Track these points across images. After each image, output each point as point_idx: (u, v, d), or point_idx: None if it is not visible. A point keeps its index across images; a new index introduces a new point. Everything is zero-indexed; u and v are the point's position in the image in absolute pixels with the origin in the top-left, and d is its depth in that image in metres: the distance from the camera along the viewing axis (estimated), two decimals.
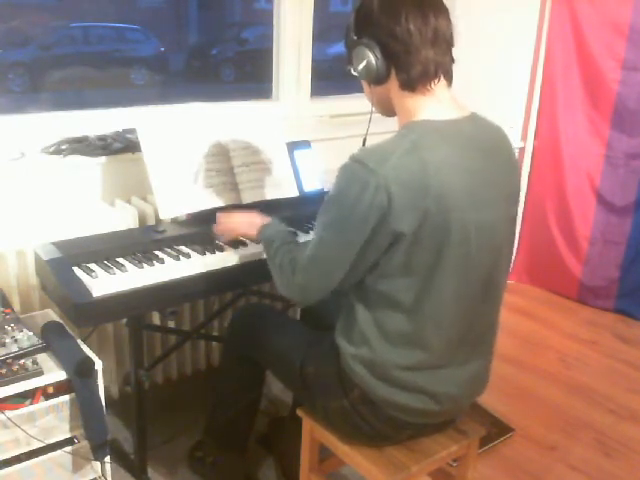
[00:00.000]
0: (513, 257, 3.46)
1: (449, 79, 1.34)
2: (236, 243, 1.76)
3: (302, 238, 1.80)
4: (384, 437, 1.45)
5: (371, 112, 1.44)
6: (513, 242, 1.44)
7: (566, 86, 3.09)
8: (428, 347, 1.34)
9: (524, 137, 3.30)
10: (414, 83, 1.30)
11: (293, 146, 2.12)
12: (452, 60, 1.34)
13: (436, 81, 1.30)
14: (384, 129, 1.37)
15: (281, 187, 2.02)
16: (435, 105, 1.32)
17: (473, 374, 1.43)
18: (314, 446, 1.61)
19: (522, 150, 3.32)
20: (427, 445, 1.48)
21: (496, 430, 2.20)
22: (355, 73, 1.37)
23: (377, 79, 1.34)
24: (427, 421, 1.45)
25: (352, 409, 1.41)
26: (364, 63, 1.32)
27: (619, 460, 2.13)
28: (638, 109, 2.94)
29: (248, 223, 1.65)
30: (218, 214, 1.76)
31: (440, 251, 1.25)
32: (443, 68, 1.31)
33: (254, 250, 1.72)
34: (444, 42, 1.30)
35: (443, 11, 1.30)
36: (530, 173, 3.34)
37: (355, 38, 1.34)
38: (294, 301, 1.44)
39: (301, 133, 2.27)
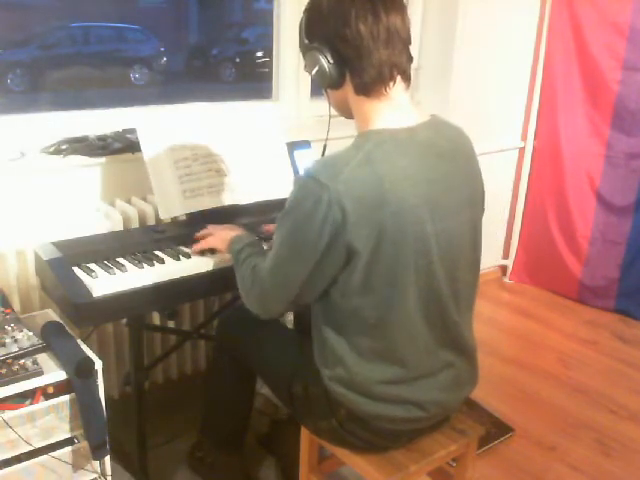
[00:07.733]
0: (513, 257, 3.47)
1: (406, 80, 1.28)
2: None
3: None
4: (381, 447, 1.44)
5: (329, 116, 1.39)
6: (479, 242, 1.39)
7: (566, 86, 3.09)
8: (404, 361, 1.31)
9: (524, 137, 3.30)
10: (369, 87, 1.24)
11: (293, 146, 2.12)
12: (410, 59, 1.27)
13: (392, 84, 1.25)
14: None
15: (281, 187, 2.01)
16: (392, 111, 1.27)
17: (456, 376, 1.41)
18: (313, 446, 1.61)
19: (522, 150, 3.33)
20: (426, 445, 1.48)
21: (496, 430, 2.20)
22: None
23: (332, 84, 1.29)
24: (418, 426, 1.43)
25: (341, 428, 1.40)
26: (316, 69, 1.26)
27: (619, 460, 2.13)
28: (638, 109, 2.94)
29: (221, 238, 1.63)
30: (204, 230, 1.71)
31: (399, 266, 1.22)
32: (399, 69, 1.24)
33: None
34: (399, 41, 1.22)
35: (397, 7, 1.22)
36: (530, 173, 3.34)
37: (307, 42, 1.27)
38: (255, 312, 1.41)
39: (301, 133, 2.27)
